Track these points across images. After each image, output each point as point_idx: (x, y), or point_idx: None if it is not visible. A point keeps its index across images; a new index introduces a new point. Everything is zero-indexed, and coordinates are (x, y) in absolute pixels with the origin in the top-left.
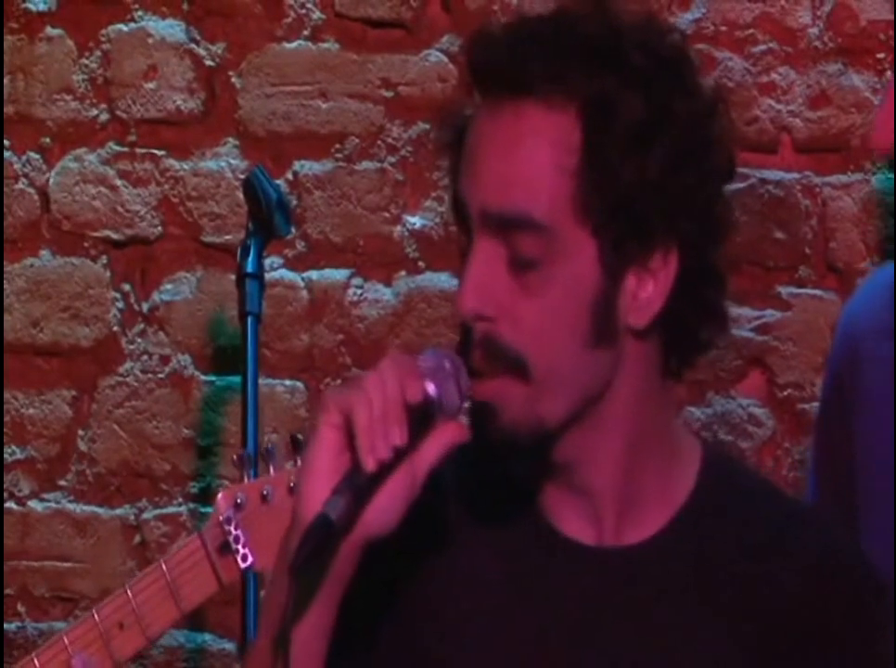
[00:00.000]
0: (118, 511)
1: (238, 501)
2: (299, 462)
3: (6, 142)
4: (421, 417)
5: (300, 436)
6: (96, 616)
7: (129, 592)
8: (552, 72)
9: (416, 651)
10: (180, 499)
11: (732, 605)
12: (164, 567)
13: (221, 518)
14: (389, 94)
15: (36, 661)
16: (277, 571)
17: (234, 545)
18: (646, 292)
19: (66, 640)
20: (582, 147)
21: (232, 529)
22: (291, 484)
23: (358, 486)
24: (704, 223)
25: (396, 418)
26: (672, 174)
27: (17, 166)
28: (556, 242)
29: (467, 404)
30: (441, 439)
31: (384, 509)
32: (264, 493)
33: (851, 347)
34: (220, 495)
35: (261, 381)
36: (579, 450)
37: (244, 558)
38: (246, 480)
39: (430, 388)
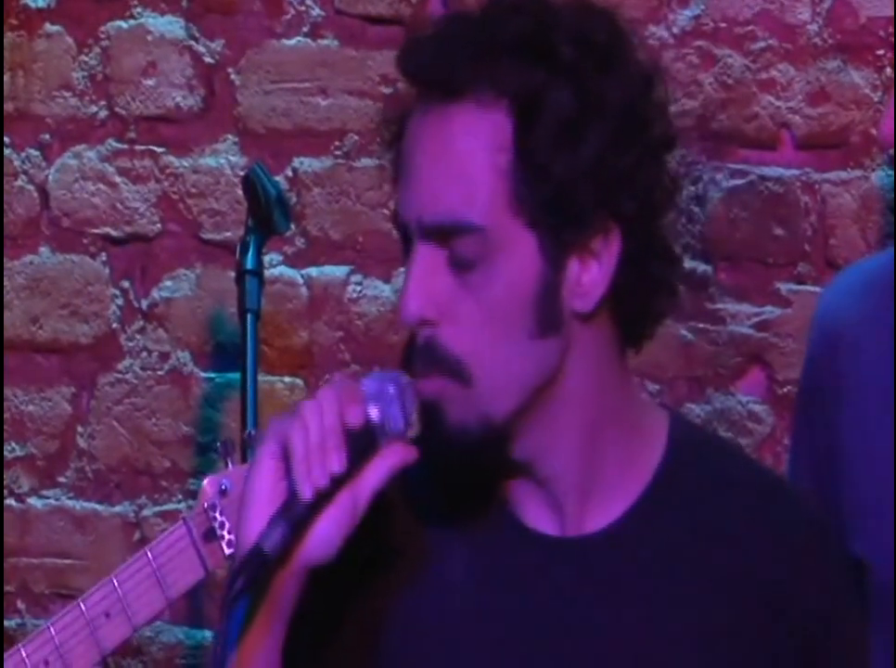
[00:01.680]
0: (117, 508)
1: (223, 488)
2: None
3: (5, 139)
4: (363, 442)
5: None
6: (82, 606)
7: (115, 581)
8: (480, 71)
9: (388, 656)
10: (179, 496)
11: (699, 588)
12: (150, 555)
13: (206, 504)
14: (388, 90)
15: (23, 652)
16: (219, 634)
17: (219, 532)
18: (590, 276)
19: (52, 630)
20: (514, 144)
21: (217, 515)
22: None
23: (295, 515)
24: (644, 200)
25: (334, 445)
26: (606, 161)
27: (16, 163)
28: (495, 240)
29: (412, 429)
30: (385, 463)
31: (325, 536)
32: None
33: (832, 336)
34: (205, 482)
35: (260, 378)
36: (535, 440)
37: (229, 543)
38: (230, 466)
39: (373, 412)
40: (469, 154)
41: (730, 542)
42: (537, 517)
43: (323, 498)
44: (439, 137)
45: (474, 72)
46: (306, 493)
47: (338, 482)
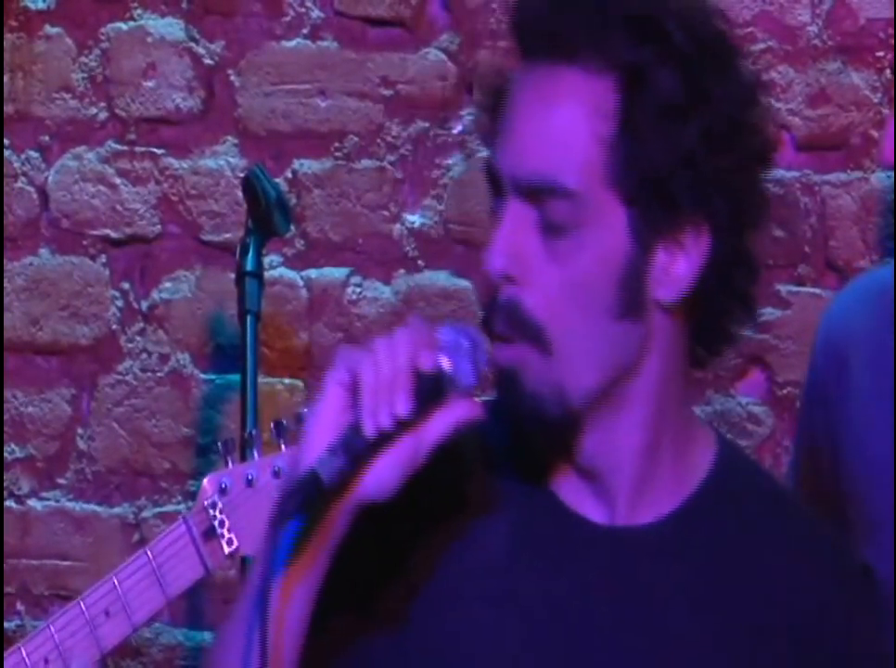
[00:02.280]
0: (117, 510)
1: (223, 486)
2: (283, 447)
3: (5, 141)
4: (432, 390)
5: (283, 421)
6: (81, 605)
7: (115, 579)
8: (593, 39)
9: (418, 622)
10: (179, 497)
11: (730, 596)
12: (149, 553)
13: (206, 503)
14: (388, 92)
15: (23, 651)
16: (261, 553)
17: (219, 530)
18: (677, 267)
19: (52, 629)
20: (618, 115)
21: (217, 514)
22: (276, 469)
23: (355, 449)
24: (736, 205)
25: (402, 386)
26: (704, 153)
27: (16, 164)
28: (587, 209)
29: (486, 378)
30: (451, 415)
31: (382, 476)
32: (249, 477)
33: (839, 345)
34: (205, 481)
35: (260, 380)
36: (601, 428)
37: (229, 542)
38: (230, 465)
39: (444, 362)
40: (572, 118)
41: (765, 559)
42: (586, 503)
43: (385, 438)
44: (543, 97)
45: (584, 38)
46: (369, 429)
47: (402, 425)
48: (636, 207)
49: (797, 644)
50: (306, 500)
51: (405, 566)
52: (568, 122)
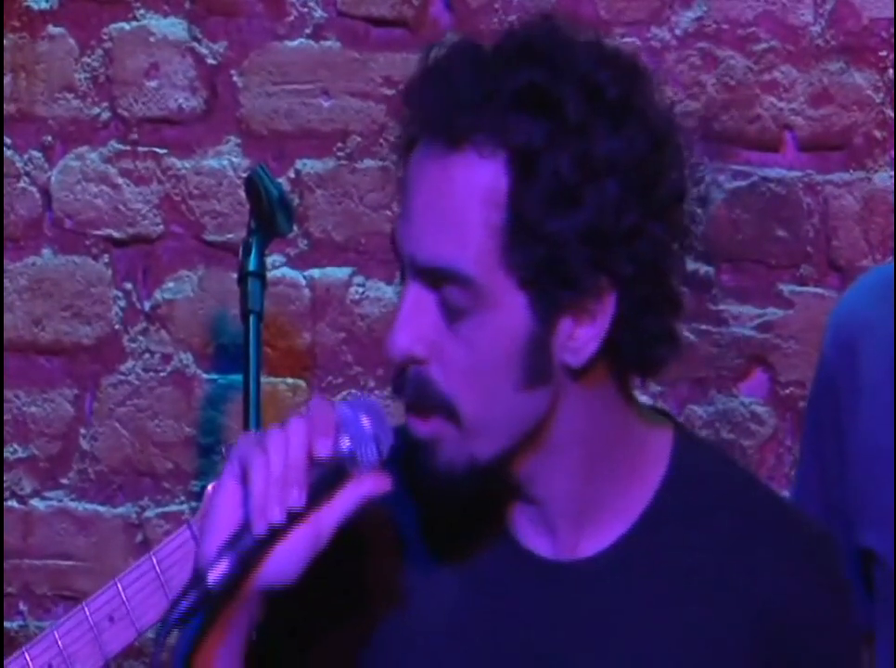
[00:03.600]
0: (120, 510)
1: None
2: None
3: (7, 140)
4: (332, 473)
5: None
6: (86, 610)
7: (119, 585)
8: (482, 120)
9: None
10: (182, 498)
11: (692, 613)
12: (154, 559)
13: None
14: (391, 92)
15: (27, 656)
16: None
17: None
18: (583, 334)
19: (56, 634)
20: (508, 201)
21: None
22: None
23: (245, 548)
24: (644, 261)
25: (295, 480)
26: (604, 225)
27: (18, 164)
28: (485, 294)
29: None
30: (354, 495)
31: (282, 565)
32: None
33: (849, 339)
34: (210, 486)
35: (263, 380)
36: (528, 471)
37: None
38: None
39: (344, 442)
40: (464, 207)
41: (727, 566)
42: (532, 537)
43: (277, 533)
44: (436, 183)
45: (476, 122)
46: (259, 527)
47: (296, 516)
48: (535, 289)
49: (766, 634)
50: (195, 605)
51: (344, 632)
52: (460, 210)
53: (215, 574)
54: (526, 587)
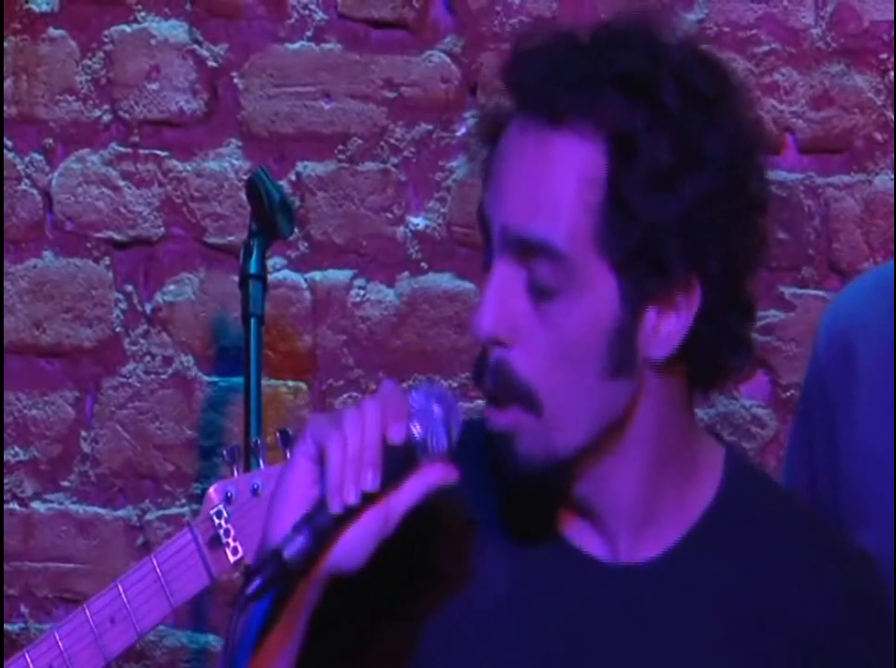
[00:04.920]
0: (121, 512)
1: (229, 495)
2: (288, 456)
3: (9, 143)
4: (402, 461)
5: (290, 431)
6: (87, 611)
7: (120, 587)
8: (582, 102)
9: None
10: (183, 500)
11: (737, 626)
12: (155, 561)
13: (211, 511)
14: (391, 94)
15: (28, 657)
16: (230, 635)
17: (224, 539)
18: (668, 326)
19: (57, 636)
20: (607, 183)
21: (222, 522)
22: None
23: (320, 525)
24: (729, 257)
25: (370, 462)
26: (698, 217)
27: (20, 167)
28: (576, 274)
29: (453, 448)
30: (423, 482)
31: (351, 548)
32: (255, 486)
33: (842, 340)
34: (211, 489)
35: (263, 382)
36: (597, 475)
37: (234, 551)
38: (236, 474)
39: (416, 429)
40: (561, 184)
41: (773, 584)
42: (590, 542)
43: (352, 512)
44: (534, 159)
45: (577, 102)
46: (335, 506)
47: (370, 499)
48: (626, 274)
49: (809, 662)
50: (271, 579)
51: (401, 623)
52: (557, 187)
53: (293, 549)
54: (581, 588)
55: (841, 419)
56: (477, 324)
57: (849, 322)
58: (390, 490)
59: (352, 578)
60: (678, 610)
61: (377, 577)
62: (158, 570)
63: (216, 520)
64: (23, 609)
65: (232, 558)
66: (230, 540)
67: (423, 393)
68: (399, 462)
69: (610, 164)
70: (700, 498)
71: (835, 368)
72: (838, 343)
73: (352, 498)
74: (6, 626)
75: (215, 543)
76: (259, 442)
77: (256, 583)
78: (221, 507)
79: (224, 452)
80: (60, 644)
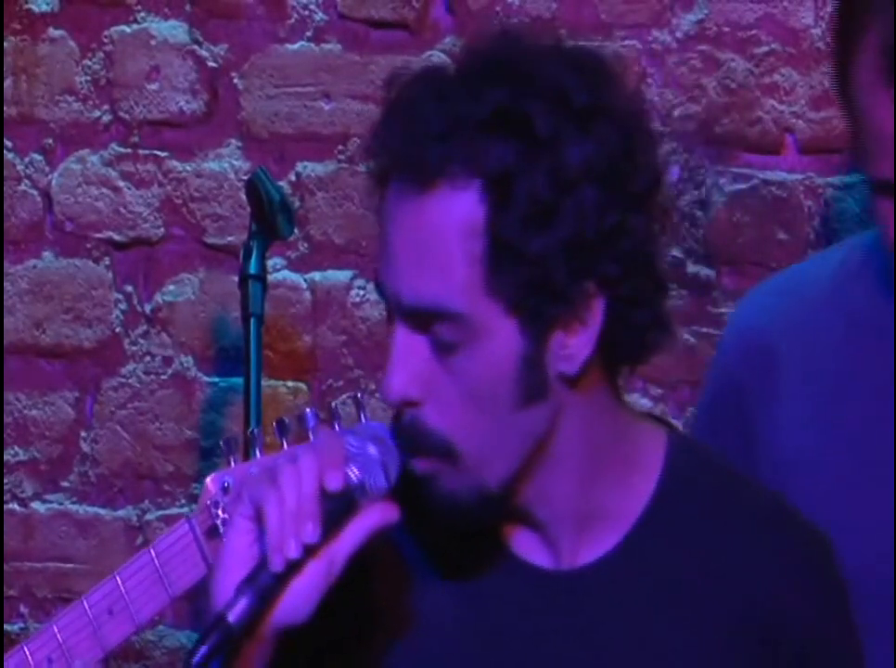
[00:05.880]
0: (120, 512)
1: (226, 485)
2: (285, 445)
3: (8, 143)
4: (342, 504)
5: (286, 419)
6: (85, 603)
7: (118, 578)
8: (452, 152)
9: None
10: (183, 500)
11: (692, 617)
12: (153, 552)
13: (208, 502)
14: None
15: (26, 650)
16: None
17: (222, 529)
18: (576, 340)
19: (55, 628)
20: (486, 229)
21: (220, 512)
22: None
23: (263, 584)
24: (626, 257)
25: (309, 514)
26: (584, 233)
27: (19, 167)
28: (475, 326)
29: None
30: (364, 525)
31: (296, 602)
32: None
33: (752, 342)
34: (208, 480)
35: (263, 383)
36: (533, 487)
37: None
38: (232, 464)
39: (353, 473)
40: (443, 243)
41: (724, 570)
42: (534, 551)
43: (294, 567)
44: (413, 223)
45: (446, 153)
46: (277, 563)
47: (311, 550)
48: (522, 311)
49: (765, 637)
50: (218, 645)
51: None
52: (440, 246)
53: (236, 612)
54: (526, 599)
55: (761, 427)
56: (386, 389)
57: (767, 327)
58: (332, 537)
59: (302, 629)
60: (624, 611)
61: (325, 625)
62: (155, 561)
63: (213, 511)
64: (23, 609)
65: None
66: None
67: (359, 436)
68: (338, 509)
69: (487, 210)
70: (641, 493)
71: (749, 375)
72: (753, 349)
73: (293, 553)
74: (6, 626)
75: (213, 533)
76: (255, 431)
77: (202, 650)
78: (218, 497)
79: (221, 442)
80: (59, 636)
